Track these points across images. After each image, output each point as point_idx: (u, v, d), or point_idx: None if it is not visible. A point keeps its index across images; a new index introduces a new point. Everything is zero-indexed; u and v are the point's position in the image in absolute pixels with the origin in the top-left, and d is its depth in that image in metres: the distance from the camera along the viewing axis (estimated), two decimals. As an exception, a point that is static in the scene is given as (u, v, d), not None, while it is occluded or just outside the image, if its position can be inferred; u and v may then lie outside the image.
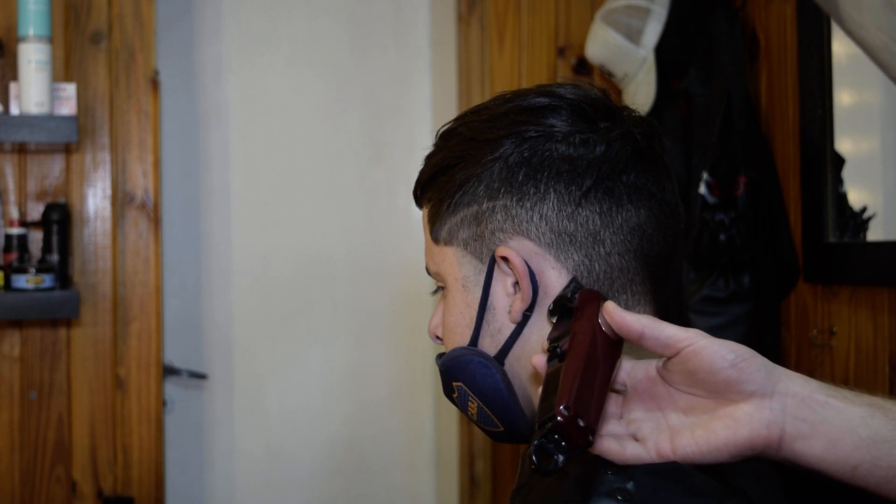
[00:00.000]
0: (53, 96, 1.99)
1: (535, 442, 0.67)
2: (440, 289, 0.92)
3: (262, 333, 2.59)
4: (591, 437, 0.68)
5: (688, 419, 0.72)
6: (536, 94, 0.85)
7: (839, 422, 0.69)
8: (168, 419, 2.47)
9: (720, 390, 0.70)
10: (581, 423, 0.67)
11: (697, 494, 0.72)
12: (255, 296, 2.59)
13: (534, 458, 0.67)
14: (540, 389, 0.73)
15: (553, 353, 0.74)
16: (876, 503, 0.84)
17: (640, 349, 0.73)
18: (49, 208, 2.06)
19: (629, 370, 0.76)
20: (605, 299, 0.75)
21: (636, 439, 0.74)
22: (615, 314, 0.72)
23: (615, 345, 0.74)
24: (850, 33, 1.34)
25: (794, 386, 0.70)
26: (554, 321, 0.80)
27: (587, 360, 0.71)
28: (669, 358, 0.71)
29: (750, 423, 0.69)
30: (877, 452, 0.68)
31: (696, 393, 0.72)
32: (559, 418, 0.67)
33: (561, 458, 0.67)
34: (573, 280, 0.81)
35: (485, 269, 0.86)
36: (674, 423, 0.73)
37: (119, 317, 2.16)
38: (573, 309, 0.77)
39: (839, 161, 1.83)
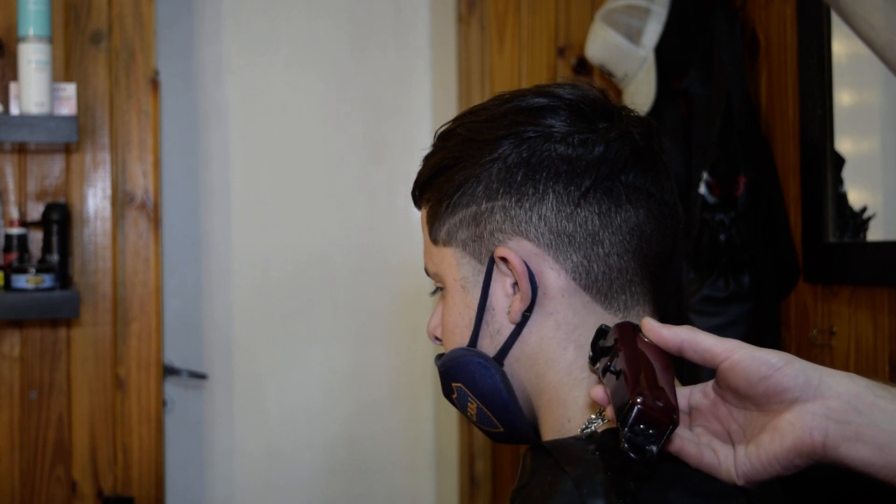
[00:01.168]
0: (53, 96, 1.99)
1: (624, 437, 0.67)
2: (439, 289, 0.92)
3: (262, 333, 2.59)
4: (674, 416, 0.67)
5: (745, 435, 0.71)
6: (535, 94, 0.85)
7: (889, 426, 0.66)
8: (168, 419, 2.47)
9: (763, 403, 0.69)
10: (660, 404, 0.67)
11: (699, 495, 0.72)
12: (255, 296, 2.59)
13: (631, 454, 0.67)
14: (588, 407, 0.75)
15: (608, 372, 0.73)
16: (873, 491, 0.84)
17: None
18: (49, 208, 2.06)
19: (688, 394, 0.76)
20: (638, 327, 0.75)
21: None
22: (653, 329, 0.73)
23: (665, 353, 0.74)
24: (856, 31, 1.34)
25: (839, 387, 0.67)
26: (598, 368, 0.78)
27: (643, 361, 0.71)
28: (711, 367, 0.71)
29: (793, 432, 0.67)
30: None
31: (747, 407, 0.71)
32: (638, 406, 0.66)
33: (654, 448, 0.67)
34: (600, 327, 0.80)
35: (484, 269, 0.86)
36: (736, 441, 0.72)
37: (119, 317, 2.16)
38: (614, 342, 0.76)
39: (839, 161, 1.83)
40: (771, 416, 0.69)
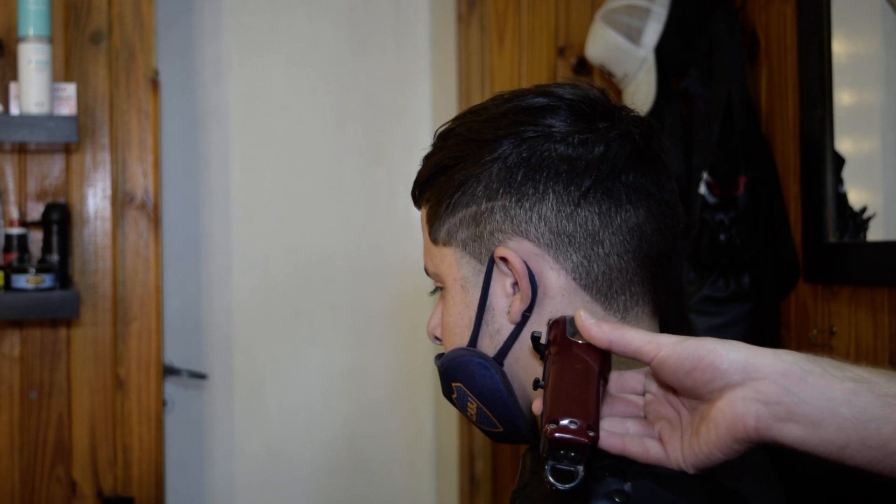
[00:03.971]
0: (53, 96, 1.99)
1: (546, 468, 0.65)
2: (439, 289, 0.92)
3: (262, 333, 2.59)
4: (591, 433, 0.66)
5: (693, 421, 0.71)
6: (535, 94, 0.85)
7: (820, 402, 0.65)
8: (168, 419, 2.47)
9: (697, 395, 0.69)
10: (573, 426, 0.65)
11: (694, 497, 0.72)
12: (255, 296, 2.59)
13: (555, 484, 0.65)
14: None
15: (536, 386, 0.74)
16: (871, 489, 0.84)
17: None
18: (49, 208, 2.06)
19: (642, 379, 0.76)
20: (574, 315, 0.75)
21: (660, 439, 0.74)
22: (583, 327, 0.73)
23: (597, 351, 0.73)
24: None
25: (765, 367, 0.66)
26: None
27: (561, 374, 0.70)
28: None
29: (724, 420, 0.67)
30: (864, 432, 0.64)
31: (688, 397, 0.72)
32: (551, 434, 0.65)
33: (580, 468, 0.65)
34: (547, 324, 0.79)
35: (484, 269, 0.86)
36: (684, 425, 0.72)
37: (119, 317, 2.16)
38: (547, 343, 0.76)
39: (839, 161, 1.83)
40: (706, 404, 0.69)
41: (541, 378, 0.74)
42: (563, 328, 0.75)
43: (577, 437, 0.65)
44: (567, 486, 0.65)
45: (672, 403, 0.73)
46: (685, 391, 0.70)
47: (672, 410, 0.73)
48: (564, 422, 0.65)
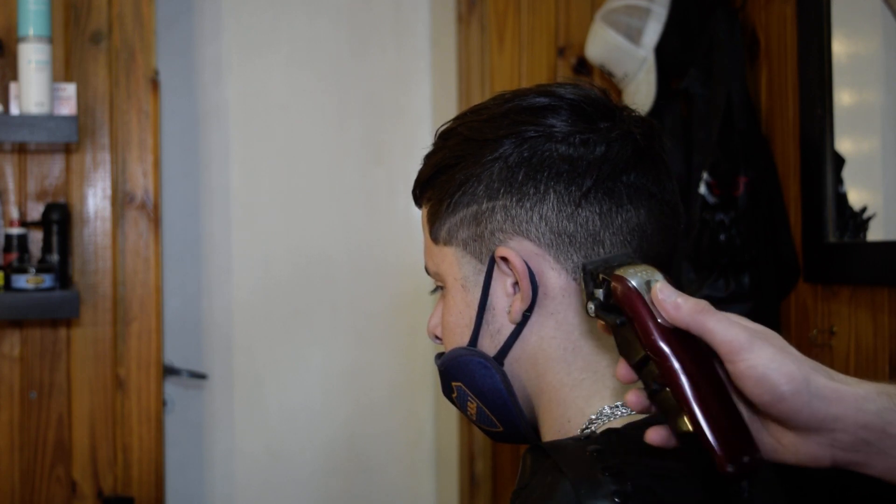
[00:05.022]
0: (53, 96, 1.99)
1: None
2: (439, 288, 0.92)
3: (262, 333, 2.59)
4: (760, 458, 0.64)
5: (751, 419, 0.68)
6: (536, 93, 0.85)
7: None
8: (168, 419, 2.47)
9: (764, 412, 0.66)
10: (746, 459, 0.63)
11: (694, 497, 0.72)
12: (255, 296, 2.59)
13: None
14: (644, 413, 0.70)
15: (651, 389, 0.67)
16: (874, 490, 0.84)
17: None
18: (49, 208, 2.06)
19: None
20: (630, 271, 0.69)
21: None
22: (662, 306, 0.66)
23: (688, 335, 0.67)
24: None
25: (847, 419, 0.62)
26: (604, 321, 0.72)
27: (695, 385, 0.64)
28: None
29: (796, 455, 0.65)
30: None
31: None
32: (730, 474, 0.63)
33: (745, 483, 0.67)
34: (586, 271, 0.73)
35: (484, 269, 0.86)
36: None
37: (119, 317, 2.16)
38: (626, 321, 0.69)
39: (839, 161, 1.83)
40: (779, 427, 0.66)
41: (642, 372, 0.67)
42: (647, 308, 0.67)
43: (752, 467, 0.64)
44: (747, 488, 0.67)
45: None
46: (759, 406, 0.65)
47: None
48: (739, 463, 0.63)
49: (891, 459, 0.63)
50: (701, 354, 0.66)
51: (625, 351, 0.69)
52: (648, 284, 0.68)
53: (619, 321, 0.69)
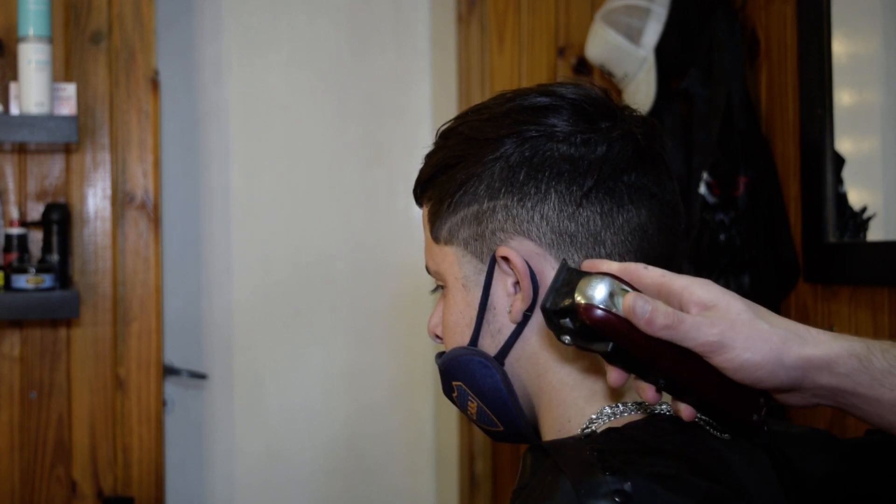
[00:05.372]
0: (53, 96, 1.99)
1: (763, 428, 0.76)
2: (440, 287, 0.92)
3: (262, 333, 2.59)
4: (761, 413, 0.76)
5: None
6: (537, 93, 0.85)
7: (870, 408, 0.72)
8: (168, 419, 2.47)
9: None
10: (755, 418, 0.75)
11: (695, 497, 0.72)
12: (255, 296, 2.59)
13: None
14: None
15: (659, 385, 0.74)
16: (873, 494, 0.84)
17: None
18: (49, 208, 2.06)
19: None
20: (592, 286, 0.71)
21: None
22: (644, 329, 0.71)
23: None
24: None
25: (821, 379, 0.71)
26: (567, 340, 0.73)
27: (696, 377, 0.73)
28: None
29: (785, 401, 0.75)
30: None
31: None
32: (756, 427, 0.76)
33: (765, 428, 0.77)
34: (543, 309, 0.73)
35: (485, 268, 0.86)
36: None
37: (119, 317, 2.16)
38: (598, 335, 0.72)
39: (839, 161, 1.83)
40: None
41: (647, 375, 0.74)
42: (623, 320, 0.71)
43: (763, 421, 0.77)
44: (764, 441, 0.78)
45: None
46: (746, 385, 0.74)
47: None
48: (752, 417, 0.75)
49: (864, 413, 0.73)
50: (682, 356, 0.73)
51: (624, 365, 0.74)
52: (612, 297, 0.71)
53: (610, 347, 0.72)
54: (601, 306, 0.70)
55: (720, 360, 0.71)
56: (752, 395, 0.74)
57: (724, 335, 0.70)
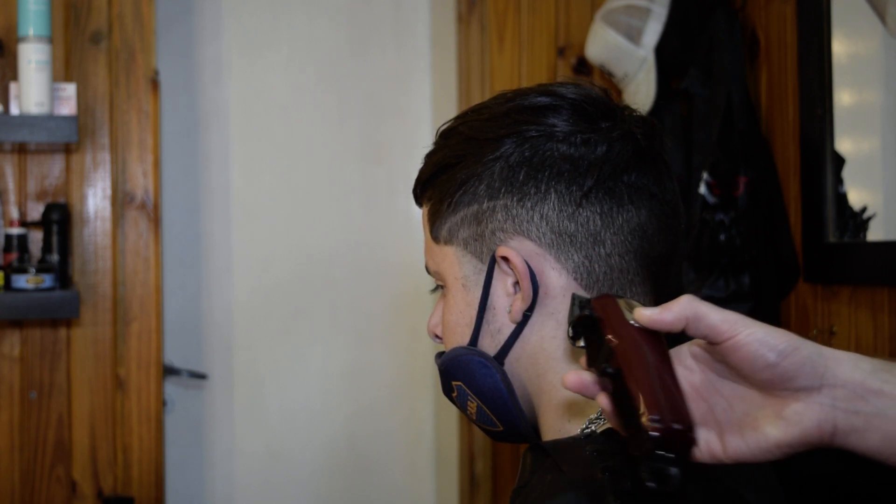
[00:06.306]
0: (53, 96, 1.99)
1: (645, 468, 0.62)
2: (439, 287, 0.92)
3: (262, 333, 2.59)
4: (693, 434, 0.64)
5: (735, 413, 0.68)
6: (537, 93, 0.85)
7: (895, 413, 0.64)
8: (168, 419, 2.47)
9: (765, 387, 0.66)
10: (678, 427, 0.63)
11: (695, 497, 0.72)
12: (255, 296, 2.59)
13: (653, 484, 0.62)
14: (600, 422, 0.71)
15: (605, 374, 0.68)
16: (873, 492, 0.84)
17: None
18: (49, 208, 2.06)
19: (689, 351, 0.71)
20: (620, 298, 0.71)
21: None
22: (652, 319, 0.67)
23: (658, 336, 0.68)
24: None
25: (844, 373, 0.64)
26: (581, 345, 0.72)
27: (645, 363, 0.66)
28: (711, 343, 0.67)
29: (800, 423, 0.65)
30: None
31: (742, 383, 0.68)
32: (654, 433, 0.62)
33: (675, 470, 0.62)
34: (574, 297, 0.74)
35: (485, 268, 0.86)
36: (721, 417, 0.68)
37: (119, 317, 2.16)
38: (596, 322, 0.70)
39: (839, 161, 1.83)
40: (770, 399, 0.66)
41: (599, 358, 0.69)
42: (619, 310, 0.69)
43: (683, 439, 0.63)
44: (662, 487, 0.63)
45: (701, 390, 0.69)
46: (754, 382, 0.66)
47: (704, 400, 0.69)
48: (670, 421, 0.63)
49: (887, 422, 0.64)
50: (652, 346, 0.67)
51: (592, 355, 0.70)
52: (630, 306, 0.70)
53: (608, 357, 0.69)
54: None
55: (739, 337, 0.64)
56: (688, 409, 0.65)
57: (743, 319, 0.66)
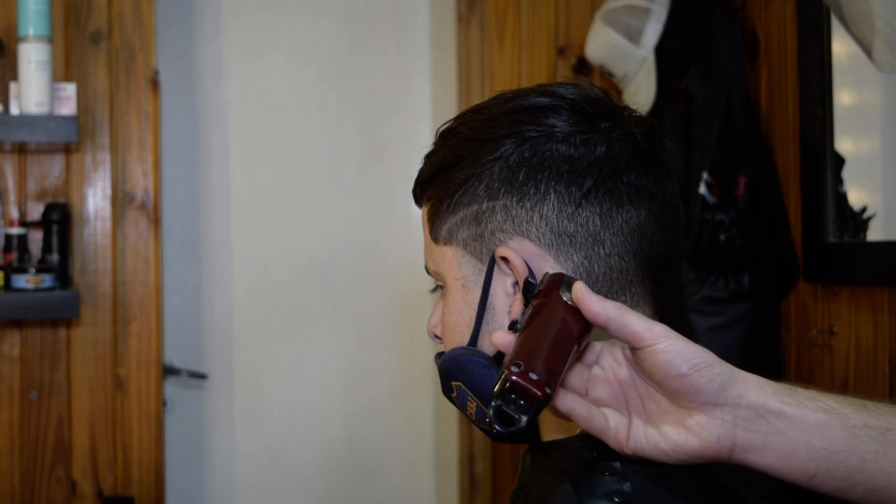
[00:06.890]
0: (53, 96, 1.99)
1: (493, 404, 0.68)
2: (439, 287, 0.92)
3: (262, 333, 2.59)
4: (548, 390, 0.68)
5: (645, 410, 0.73)
6: (537, 93, 0.85)
7: (793, 433, 0.68)
8: (168, 419, 2.47)
9: (673, 396, 0.71)
10: (534, 377, 0.68)
11: (694, 497, 0.72)
12: (255, 296, 2.59)
13: (495, 425, 0.68)
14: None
15: (513, 328, 0.75)
16: None
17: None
18: (49, 208, 2.06)
19: (598, 349, 0.77)
20: (575, 280, 0.76)
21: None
22: (583, 298, 0.72)
23: (582, 320, 0.73)
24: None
25: (749, 394, 0.69)
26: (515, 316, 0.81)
27: (541, 325, 0.72)
28: (633, 348, 0.72)
29: (700, 434, 0.69)
30: (831, 463, 0.68)
31: (655, 387, 0.73)
32: (511, 376, 0.68)
33: (524, 417, 0.68)
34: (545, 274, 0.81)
35: (484, 268, 0.86)
36: (633, 409, 0.73)
37: (119, 317, 2.16)
38: (534, 288, 0.78)
39: (839, 161, 1.83)
40: (676, 406, 0.71)
41: (518, 320, 0.75)
42: (558, 285, 0.75)
43: (533, 389, 0.68)
44: (506, 429, 0.68)
45: (622, 382, 0.74)
46: (665, 389, 0.71)
47: (618, 389, 0.74)
48: (527, 369, 0.68)
49: (784, 440, 0.68)
50: (574, 324, 0.73)
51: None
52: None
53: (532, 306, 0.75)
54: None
55: (659, 346, 0.69)
56: (555, 367, 0.71)
57: (668, 332, 0.71)
